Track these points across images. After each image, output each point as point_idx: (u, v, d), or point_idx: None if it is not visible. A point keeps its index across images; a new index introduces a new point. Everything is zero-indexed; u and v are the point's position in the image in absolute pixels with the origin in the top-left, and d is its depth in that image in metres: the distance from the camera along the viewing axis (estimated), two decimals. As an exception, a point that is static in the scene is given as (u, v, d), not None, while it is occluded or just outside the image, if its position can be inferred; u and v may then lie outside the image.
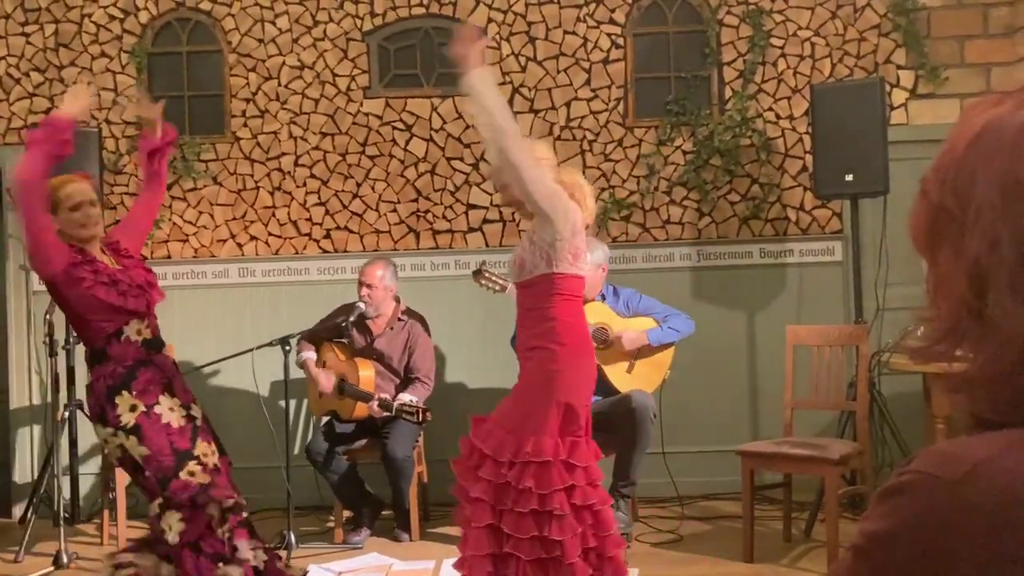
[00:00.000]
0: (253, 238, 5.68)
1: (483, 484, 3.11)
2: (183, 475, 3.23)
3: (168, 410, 3.29)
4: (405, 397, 4.71)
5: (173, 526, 3.18)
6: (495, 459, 3.10)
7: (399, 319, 5.02)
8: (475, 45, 2.96)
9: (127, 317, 3.30)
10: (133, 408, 3.23)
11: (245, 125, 5.68)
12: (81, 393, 5.17)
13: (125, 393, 3.23)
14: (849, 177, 4.93)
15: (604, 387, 4.71)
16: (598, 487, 3.21)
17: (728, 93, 5.66)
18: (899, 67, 5.62)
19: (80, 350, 5.16)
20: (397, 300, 5.07)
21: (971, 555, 0.78)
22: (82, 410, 5.17)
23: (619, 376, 4.79)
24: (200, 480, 3.25)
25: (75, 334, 3.29)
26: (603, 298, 4.91)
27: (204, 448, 3.38)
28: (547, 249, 3.13)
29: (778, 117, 5.64)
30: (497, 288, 4.67)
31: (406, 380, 4.99)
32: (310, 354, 4.99)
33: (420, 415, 4.53)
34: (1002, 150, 0.84)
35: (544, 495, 3.05)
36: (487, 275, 4.70)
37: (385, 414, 4.64)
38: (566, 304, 3.19)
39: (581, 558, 3.12)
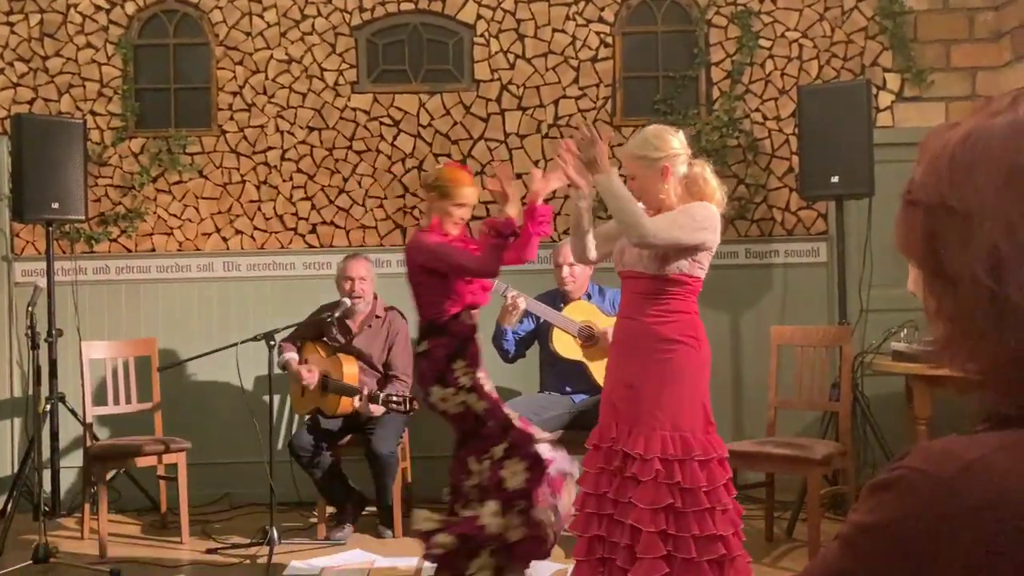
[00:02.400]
0: (238, 232, 5.65)
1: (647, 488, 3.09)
2: (518, 424, 3.57)
3: (486, 379, 3.66)
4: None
5: (518, 473, 3.45)
6: (662, 458, 3.10)
7: (377, 316, 5.02)
8: (601, 147, 3.18)
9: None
10: (466, 372, 3.60)
11: (232, 119, 5.65)
12: (63, 386, 5.16)
13: (460, 360, 3.59)
14: (835, 179, 4.95)
15: (590, 385, 4.72)
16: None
17: (716, 93, 5.67)
18: (885, 70, 5.64)
19: (62, 344, 5.17)
20: (375, 296, 5.06)
21: (960, 552, 0.78)
22: (64, 403, 5.15)
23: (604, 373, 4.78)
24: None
25: (417, 304, 3.65)
26: (589, 297, 4.92)
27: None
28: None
29: (765, 118, 5.66)
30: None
31: (386, 376, 4.99)
32: (292, 355, 4.96)
33: (408, 404, 4.52)
34: (998, 142, 0.85)
35: (710, 491, 3.10)
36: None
37: (374, 407, 4.63)
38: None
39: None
